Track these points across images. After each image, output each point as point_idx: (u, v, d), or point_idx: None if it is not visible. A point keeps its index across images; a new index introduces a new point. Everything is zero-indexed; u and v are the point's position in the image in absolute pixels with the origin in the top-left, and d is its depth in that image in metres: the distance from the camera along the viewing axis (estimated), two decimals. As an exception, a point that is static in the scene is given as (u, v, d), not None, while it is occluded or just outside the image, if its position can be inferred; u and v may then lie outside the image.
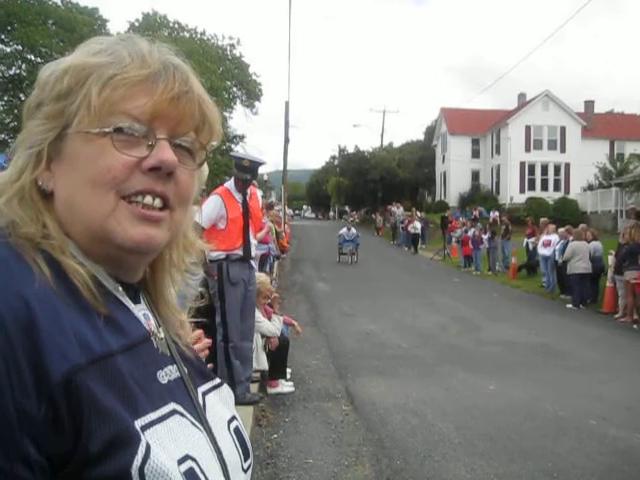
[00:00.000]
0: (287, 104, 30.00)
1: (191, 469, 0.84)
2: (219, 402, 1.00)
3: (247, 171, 6.38)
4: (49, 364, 0.73)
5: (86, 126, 0.86)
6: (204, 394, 0.98)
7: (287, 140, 30.81)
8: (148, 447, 0.78)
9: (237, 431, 1.00)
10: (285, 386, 7.34)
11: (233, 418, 1.01)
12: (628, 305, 13.85)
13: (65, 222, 0.88)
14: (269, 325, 7.05)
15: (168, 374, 0.90)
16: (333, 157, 72.80)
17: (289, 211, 44.72)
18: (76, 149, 0.87)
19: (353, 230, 27.74)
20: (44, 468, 0.73)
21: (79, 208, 0.87)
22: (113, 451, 0.76)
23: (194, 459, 0.85)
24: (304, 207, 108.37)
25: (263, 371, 7.19)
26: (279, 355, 7.21)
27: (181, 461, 0.83)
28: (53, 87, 0.89)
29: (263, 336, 7.07)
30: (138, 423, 0.80)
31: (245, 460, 0.99)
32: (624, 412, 7.00)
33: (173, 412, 0.87)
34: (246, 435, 1.03)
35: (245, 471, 0.98)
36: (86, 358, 0.77)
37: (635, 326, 13.18)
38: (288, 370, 7.63)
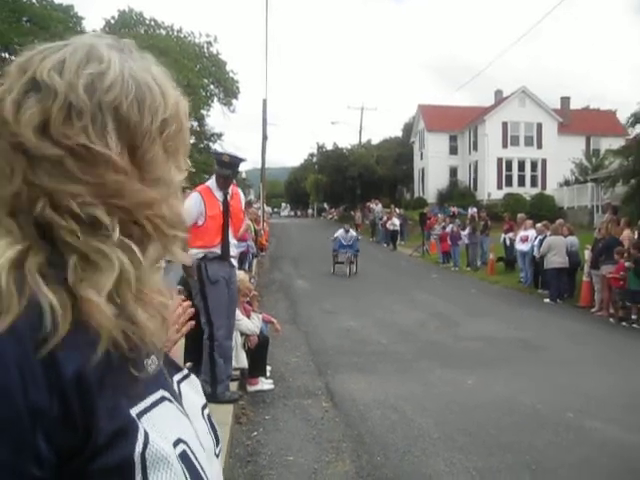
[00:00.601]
0: (265, 102, 29.98)
1: (184, 452, 0.86)
2: (191, 390, 1.02)
3: (227, 167, 6.35)
4: (60, 361, 0.75)
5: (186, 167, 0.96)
6: (178, 383, 0.99)
7: (265, 138, 30.79)
8: (146, 433, 0.81)
9: (209, 418, 1.03)
10: (265, 384, 7.33)
11: (205, 405, 1.04)
12: (604, 299, 14.01)
13: None
14: (248, 323, 7.05)
15: (153, 362, 0.91)
16: (311, 154, 72.75)
17: (268, 209, 44.60)
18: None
19: (352, 232, 22.88)
20: (52, 463, 0.75)
21: None
22: (116, 441, 0.78)
23: (185, 442, 0.88)
24: (282, 205, 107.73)
25: (243, 369, 7.19)
26: (258, 353, 7.21)
27: (175, 444, 0.85)
28: (152, 109, 0.87)
29: (242, 334, 7.06)
30: (134, 411, 0.82)
31: (217, 446, 1.01)
32: (601, 405, 7.08)
33: (162, 399, 0.89)
34: (215, 422, 1.05)
35: (217, 456, 1.00)
36: (94, 353, 0.78)
37: (611, 320, 13.34)
38: (268, 368, 7.64)
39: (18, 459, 0.72)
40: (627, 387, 7.78)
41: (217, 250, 6.23)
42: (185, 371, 1.05)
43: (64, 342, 0.76)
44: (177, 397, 0.94)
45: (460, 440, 5.90)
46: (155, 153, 0.86)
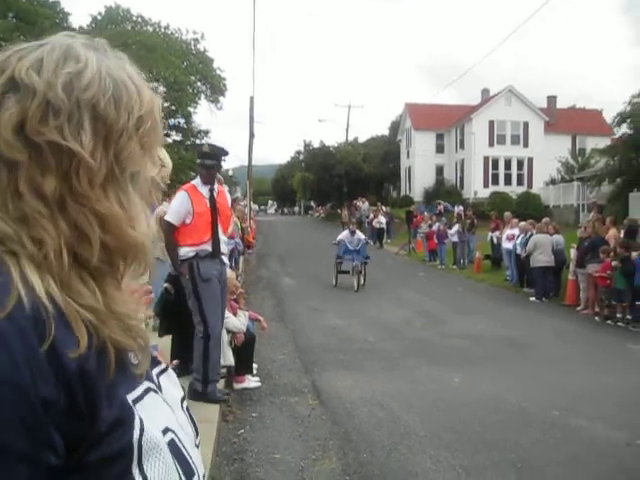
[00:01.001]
0: (252, 99, 29.95)
1: (172, 440, 0.89)
2: (170, 383, 1.04)
3: (209, 157, 6.30)
4: (63, 355, 0.77)
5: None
6: (157, 376, 1.01)
7: (252, 135, 30.71)
8: (141, 420, 0.83)
9: (188, 410, 1.05)
10: (251, 381, 7.33)
11: (184, 398, 1.06)
12: (590, 298, 14.08)
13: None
14: (235, 321, 7.03)
15: (138, 354, 0.92)
16: (298, 152, 72.67)
17: (254, 206, 44.51)
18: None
19: (359, 235, 18.29)
20: (63, 453, 0.77)
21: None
22: (117, 428, 0.81)
23: (173, 431, 0.91)
24: (269, 202, 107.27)
25: (229, 367, 7.17)
26: (245, 350, 7.20)
27: (164, 432, 0.88)
28: (129, 107, 0.87)
29: (229, 332, 7.05)
30: (129, 398, 0.85)
31: (196, 437, 1.03)
32: (587, 403, 7.11)
33: (149, 389, 0.91)
34: (195, 416, 1.07)
35: (197, 447, 1.02)
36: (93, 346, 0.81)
37: (597, 318, 13.40)
38: (254, 365, 7.63)
39: (37, 451, 0.74)
40: (613, 385, 7.82)
41: (208, 247, 6.16)
42: (163, 365, 1.06)
43: (65, 333, 0.78)
44: (159, 388, 0.96)
45: (446, 438, 5.92)
46: (132, 149, 0.87)
